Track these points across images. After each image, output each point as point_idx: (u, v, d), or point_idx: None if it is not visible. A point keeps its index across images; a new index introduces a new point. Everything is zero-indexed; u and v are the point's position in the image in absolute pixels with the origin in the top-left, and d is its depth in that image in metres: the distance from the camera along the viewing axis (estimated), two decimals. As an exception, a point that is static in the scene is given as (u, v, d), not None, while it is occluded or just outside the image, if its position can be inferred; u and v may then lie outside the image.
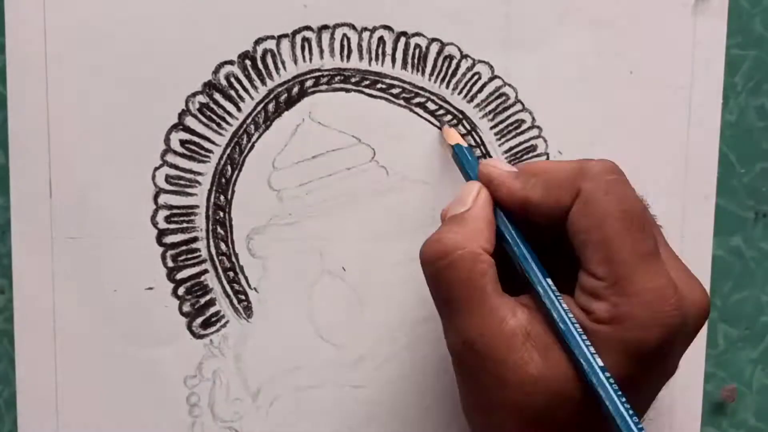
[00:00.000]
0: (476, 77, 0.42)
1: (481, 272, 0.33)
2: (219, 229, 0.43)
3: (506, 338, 0.33)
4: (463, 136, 0.43)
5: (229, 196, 0.42)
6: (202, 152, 0.42)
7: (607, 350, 0.32)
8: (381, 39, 0.42)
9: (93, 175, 0.42)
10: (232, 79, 0.42)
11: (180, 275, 0.43)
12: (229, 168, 0.42)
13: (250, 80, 0.42)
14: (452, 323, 0.34)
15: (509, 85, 0.42)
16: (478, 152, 0.43)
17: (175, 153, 0.42)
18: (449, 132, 0.41)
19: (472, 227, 0.35)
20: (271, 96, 0.42)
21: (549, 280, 0.34)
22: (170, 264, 0.43)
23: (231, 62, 0.42)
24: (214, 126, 0.42)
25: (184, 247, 0.43)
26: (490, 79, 0.42)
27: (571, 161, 0.35)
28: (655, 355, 0.32)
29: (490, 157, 0.43)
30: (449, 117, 0.43)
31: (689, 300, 0.33)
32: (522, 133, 0.43)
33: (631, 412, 0.31)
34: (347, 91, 0.42)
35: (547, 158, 0.43)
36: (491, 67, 0.42)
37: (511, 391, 0.33)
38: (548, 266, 0.35)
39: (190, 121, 0.42)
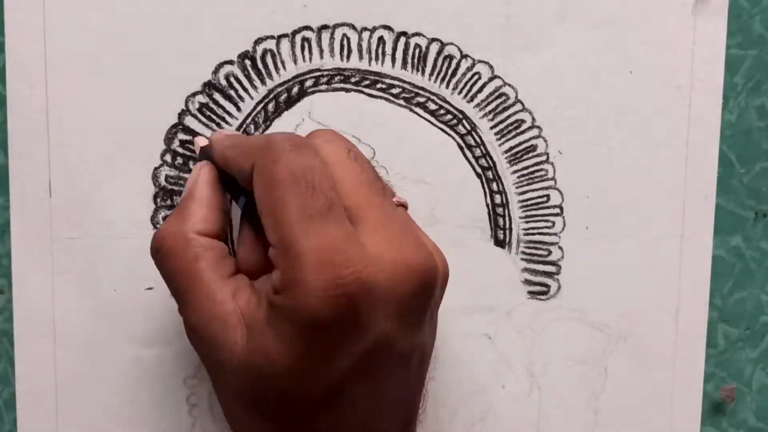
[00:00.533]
0: (476, 77, 0.42)
1: (194, 257, 0.32)
2: (219, 229, 0.43)
3: (221, 321, 0.31)
4: (462, 136, 0.43)
5: (228, 197, 0.42)
6: (202, 152, 0.42)
7: (282, 322, 0.30)
8: (381, 39, 0.42)
9: (93, 175, 0.42)
10: (232, 79, 0.42)
11: (180, 275, 0.43)
12: (229, 168, 0.42)
13: (250, 80, 0.42)
14: (181, 313, 0.34)
15: (509, 85, 0.42)
16: (478, 151, 0.43)
17: (175, 153, 0.42)
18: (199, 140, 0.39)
19: (186, 212, 0.34)
20: (271, 96, 0.42)
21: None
22: (170, 264, 0.43)
23: (231, 62, 0.42)
24: (213, 126, 0.42)
25: (184, 247, 0.43)
26: (490, 79, 0.42)
27: (261, 136, 0.34)
28: (333, 326, 0.29)
29: (490, 157, 0.43)
30: (449, 117, 0.43)
31: (384, 263, 0.30)
32: (522, 133, 0.43)
33: None
34: (347, 90, 0.42)
35: (547, 158, 0.43)
36: (491, 67, 0.42)
37: (226, 374, 0.32)
38: None
39: (189, 121, 0.42)
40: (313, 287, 0.29)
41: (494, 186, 0.43)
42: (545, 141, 0.43)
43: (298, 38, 0.42)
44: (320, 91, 0.42)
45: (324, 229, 0.29)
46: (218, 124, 0.42)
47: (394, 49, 0.42)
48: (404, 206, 0.37)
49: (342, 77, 0.42)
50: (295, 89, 0.42)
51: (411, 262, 0.31)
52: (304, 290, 0.29)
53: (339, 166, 0.33)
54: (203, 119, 0.42)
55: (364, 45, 0.42)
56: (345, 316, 0.29)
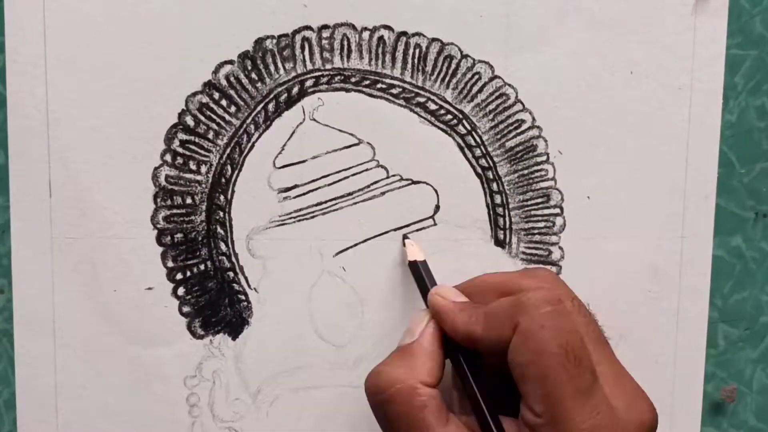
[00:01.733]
0: (476, 77, 0.42)
1: (420, 406, 0.35)
2: (219, 229, 0.43)
3: None
4: (463, 136, 0.43)
5: (229, 196, 0.42)
6: (202, 152, 0.42)
7: None
8: (381, 39, 0.42)
9: (93, 174, 0.42)
10: (232, 79, 0.42)
11: (180, 275, 0.43)
12: (229, 168, 0.42)
13: (250, 80, 0.42)
14: None
15: (509, 85, 0.42)
16: (478, 151, 0.43)
17: (175, 153, 0.42)
18: (411, 247, 0.42)
19: (415, 361, 0.36)
20: (271, 96, 0.42)
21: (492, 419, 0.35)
22: (170, 264, 0.43)
23: (231, 62, 0.42)
24: (214, 126, 0.42)
25: (183, 247, 0.43)
26: (491, 79, 0.42)
27: (509, 297, 0.35)
28: None
29: (490, 158, 0.43)
30: (449, 117, 0.43)
31: (633, 424, 0.34)
32: (522, 133, 0.43)
33: None
34: (347, 90, 0.42)
35: (548, 158, 0.43)
36: (491, 67, 0.42)
37: None
38: (499, 384, 0.36)
39: (190, 121, 0.42)
40: None
41: (494, 186, 0.43)
42: (545, 141, 0.43)
43: (299, 38, 0.42)
44: (320, 91, 0.42)
45: (591, 405, 0.32)
46: (218, 124, 0.42)
47: (395, 49, 0.42)
48: None
49: (342, 77, 0.42)
50: (295, 89, 0.42)
51: (645, 421, 0.34)
52: None
53: (574, 316, 0.35)
54: (203, 119, 0.42)
55: (365, 45, 0.42)
56: None
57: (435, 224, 0.43)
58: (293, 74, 0.42)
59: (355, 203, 0.43)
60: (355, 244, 0.43)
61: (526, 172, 0.43)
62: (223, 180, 0.42)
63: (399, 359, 0.37)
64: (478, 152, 0.43)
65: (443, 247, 0.43)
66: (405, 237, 0.42)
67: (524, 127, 0.43)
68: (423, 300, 0.40)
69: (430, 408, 0.34)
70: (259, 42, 0.42)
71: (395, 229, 0.43)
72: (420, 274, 0.40)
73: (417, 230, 0.43)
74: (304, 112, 0.42)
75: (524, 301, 0.34)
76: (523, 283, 0.37)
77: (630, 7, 0.42)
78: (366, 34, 0.42)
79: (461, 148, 0.43)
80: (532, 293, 0.34)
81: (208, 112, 0.42)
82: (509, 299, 0.35)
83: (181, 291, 0.43)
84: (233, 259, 0.43)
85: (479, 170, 0.43)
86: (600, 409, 0.32)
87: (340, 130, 0.42)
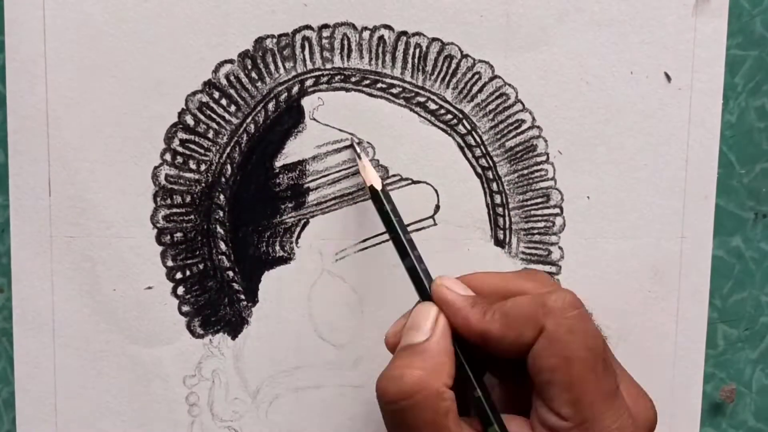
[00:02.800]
0: (476, 77, 0.42)
1: (445, 411, 0.33)
2: (218, 229, 0.43)
3: None
4: (463, 135, 0.43)
5: (228, 196, 0.42)
6: (202, 151, 0.42)
7: None
8: (381, 38, 0.42)
9: (92, 174, 0.42)
10: (232, 78, 0.42)
11: (179, 274, 0.43)
12: (228, 167, 0.42)
13: (250, 79, 0.42)
14: None
15: (509, 85, 0.42)
16: (478, 151, 0.43)
17: (175, 152, 0.42)
18: (368, 172, 0.39)
19: (434, 361, 0.33)
20: (271, 95, 0.42)
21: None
22: (170, 263, 0.43)
23: (231, 61, 0.42)
24: (213, 125, 0.42)
25: (183, 247, 0.43)
26: (491, 79, 0.42)
27: (528, 296, 0.34)
28: None
29: (490, 157, 0.43)
30: (449, 116, 0.42)
31: (641, 422, 0.34)
32: (522, 132, 0.43)
33: None
34: (347, 90, 0.42)
35: (547, 158, 0.43)
36: (491, 66, 0.42)
37: None
38: (505, 385, 0.36)
39: (190, 120, 0.42)
40: None
41: (494, 186, 0.43)
42: (545, 141, 0.43)
43: (299, 37, 0.42)
44: (320, 90, 0.42)
45: (617, 407, 0.33)
46: (218, 123, 0.42)
47: (395, 49, 0.42)
48: None
49: (342, 77, 0.42)
50: (295, 88, 0.42)
51: (650, 418, 0.35)
52: None
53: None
54: (203, 118, 0.42)
55: (365, 44, 0.42)
56: None
57: (435, 224, 0.43)
58: (293, 74, 0.42)
59: (356, 203, 0.43)
60: (355, 244, 0.43)
61: (526, 172, 0.43)
62: (223, 179, 0.42)
63: (416, 359, 0.34)
64: (478, 152, 0.43)
65: (443, 247, 0.43)
66: (354, 143, 0.39)
67: (524, 127, 0.43)
68: (417, 289, 0.37)
69: (452, 414, 0.33)
70: (259, 41, 0.42)
71: (395, 229, 0.43)
72: (398, 237, 0.37)
73: (417, 230, 0.43)
74: (304, 111, 0.42)
75: (549, 304, 0.33)
76: (526, 286, 0.36)
77: (630, 8, 0.42)
78: (366, 34, 0.42)
79: (461, 148, 0.43)
80: (556, 295, 0.33)
81: (208, 112, 0.42)
82: (530, 299, 0.34)
83: (180, 290, 0.43)
84: (233, 259, 0.43)
85: (479, 170, 0.43)
86: (623, 410, 0.33)
87: (340, 130, 0.42)
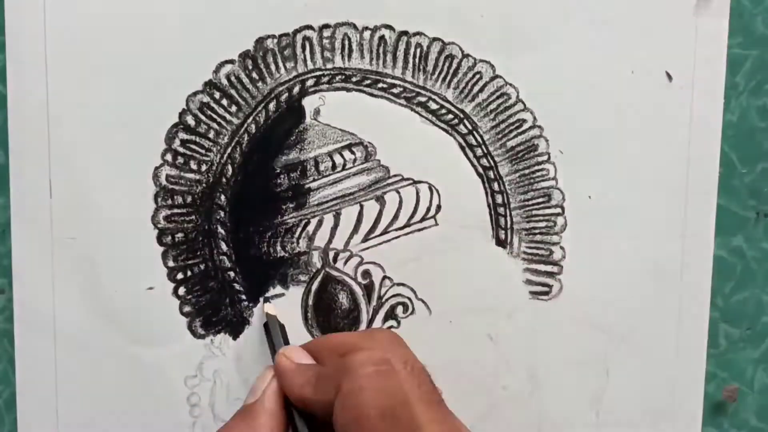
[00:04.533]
0: (477, 77, 0.42)
1: None
2: (220, 229, 0.43)
3: None
4: (464, 135, 0.43)
5: (229, 196, 0.42)
6: (203, 151, 0.42)
7: None
8: (382, 38, 0.42)
9: (93, 174, 0.42)
10: (233, 79, 0.42)
11: (180, 275, 0.43)
12: (229, 167, 0.42)
13: (251, 79, 0.42)
14: None
15: (510, 85, 0.42)
16: (479, 151, 0.43)
17: (176, 152, 0.42)
18: (268, 307, 0.42)
19: (255, 422, 0.36)
20: (272, 95, 0.42)
21: None
22: (171, 264, 0.43)
23: (232, 61, 0.42)
24: (214, 125, 0.42)
25: (184, 247, 0.43)
26: (492, 79, 0.42)
27: (335, 359, 0.35)
28: None
29: (492, 157, 0.43)
30: (450, 116, 0.42)
31: None
32: (523, 132, 0.43)
33: None
34: (348, 90, 0.42)
35: (549, 158, 0.43)
36: (492, 66, 0.42)
37: None
38: None
39: (190, 121, 0.42)
40: None
41: (495, 186, 0.43)
42: (546, 141, 0.43)
43: (299, 37, 0.42)
44: (321, 90, 0.42)
45: None
46: (219, 124, 0.42)
47: (396, 49, 0.42)
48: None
49: (343, 77, 0.42)
50: (296, 89, 0.42)
51: None
52: None
53: (401, 378, 0.34)
54: (204, 118, 0.42)
55: (366, 44, 0.42)
56: None
57: (436, 224, 0.43)
58: (294, 74, 0.42)
59: (357, 203, 0.42)
60: (357, 245, 0.43)
61: (527, 171, 0.43)
62: (224, 180, 0.42)
63: (240, 420, 0.37)
64: (479, 152, 0.43)
65: (444, 247, 0.43)
66: (266, 300, 0.42)
67: (525, 126, 0.43)
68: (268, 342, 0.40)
69: None
70: (260, 41, 0.42)
71: (396, 230, 0.43)
72: (270, 335, 0.40)
73: (419, 230, 0.43)
74: (305, 111, 0.42)
75: (348, 363, 0.34)
76: (362, 344, 0.36)
77: (631, 7, 0.42)
78: (367, 34, 0.42)
79: (462, 148, 0.43)
80: (357, 354, 0.34)
81: (209, 112, 0.42)
82: (335, 361, 0.35)
83: (181, 291, 0.43)
84: (234, 259, 0.43)
85: (480, 170, 0.43)
86: None
87: (341, 130, 0.42)
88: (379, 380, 0.33)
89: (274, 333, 0.40)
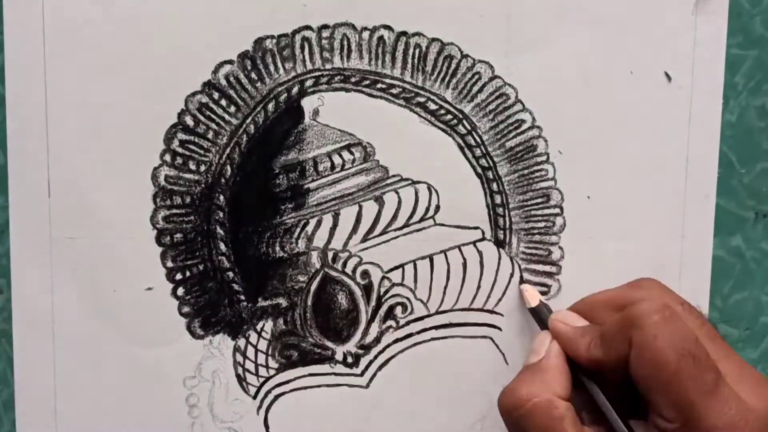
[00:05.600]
0: (476, 77, 0.42)
1: (559, 417, 0.35)
2: (218, 229, 0.43)
3: None
4: (463, 136, 0.43)
5: (228, 196, 0.42)
6: (202, 152, 0.42)
7: None
8: (381, 39, 0.42)
9: (92, 174, 0.42)
10: (232, 79, 0.42)
11: (179, 275, 0.43)
12: (228, 168, 0.42)
13: (250, 80, 0.42)
14: None
15: (509, 85, 0.42)
16: (478, 151, 0.43)
17: (175, 153, 0.42)
18: (530, 293, 0.42)
19: (546, 376, 0.37)
20: (271, 96, 0.42)
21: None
22: (170, 264, 0.42)
23: (230, 62, 0.42)
24: (213, 126, 0.42)
25: (183, 248, 0.42)
26: (491, 79, 0.42)
27: (619, 315, 0.36)
28: None
29: (490, 158, 0.43)
30: (449, 117, 0.42)
31: (762, 411, 0.34)
32: (522, 132, 0.43)
33: None
34: (347, 90, 0.42)
35: (548, 158, 0.43)
36: (491, 66, 0.42)
37: None
38: (627, 392, 0.36)
39: (189, 121, 0.42)
40: None
41: (494, 186, 0.43)
42: (545, 141, 0.43)
43: (298, 38, 0.42)
44: (320, 90, 0.42)
45: (721, 402, 0.33)
46: (218, 124, 0.42)
47: (394, 49, 0.42)
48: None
49: (342, 77, 0.42)
50: (295, 89, 0.42)
51: None
52: None
53: (685, 319, 0.36)
54: (203, 119, 0.42)
55: (365, 45, 0.42)
56: None
57: (435, 224, 0.43)
58: (293, 74, 0.42)
59: (356, 203, 0.42)
60: (355, 245, 0.43)
61: (526, 172, 0.43)
62: (223, 180, 0.42)
63: (531, 375, 0.38)
64: (478, 152, 0.43)
65: (443, 247, 0.43)
66: (521, 282, 0.43)
67: (524, 127, 0.43)
68: (537, 322, 0.41)
69: (568, 419, 0.35)
70: (258, 42, 0.42)
71: (395, 230, 0.43)
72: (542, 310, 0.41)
73: (417, 230, 0.43)
74: (303, 112, 0.42)
75: (632, 316, 0.35)
76: (632, 295, 0.38)
77: (630, 7, 0.42)
78: (366, 34, 0.42)
79: (461, 148, 0.43)
80: (638, 306, 0.35)
81: (208, 112, 0.42)
82: (620, 316, 0.36)
83: (180, 291, 0.43)
84: (232, 260, 0.43)
85: (479, 170, 0.43)
86: (730, 404, 0.33)
87: (340, 130, 0.42)
88: (668, 326, 0.34)
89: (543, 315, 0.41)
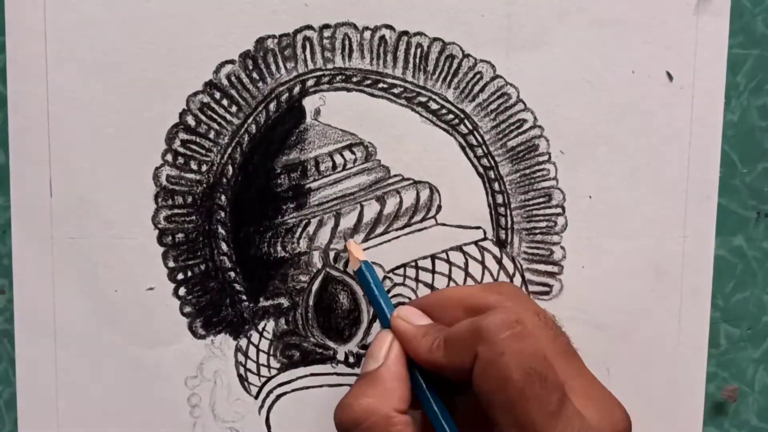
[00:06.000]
0: (478, 77, 0.42)
1: None
2: (220, 229, 0.43)
3: None
4: (464, 135, 0.43)
5: (230, 196, 0.42)
6: (203, 152, 0.42)
7: None
8: (382, 38, 0.42)
9: (93, 174, 0.42)
10: (233, 79, 0.42)
11: (181, 275, 0.43)
12: (230, 168, 0.42)
13: (252, 79, 0.42)
14: None
15: (511, 85, 0.42)
16: (480, 151, 0.43)
17: (176, 153, 0.42)
18: (354, 247, 0.40)
19: (384, 387, 0.35)
20: (273, 95, 0.42)
21: None
22: (171, 264, 0.42)
23: (232, 62, 0.42)
24: (215, 125, 0.42)
25: (184, 247, 0.42)
26: (492, 79, 0.42)
27: (466, 321, 0.34)
28: None
29: (492, 157, 0.43)
30: (451, 116, 0.42)
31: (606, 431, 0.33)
32: (524, 132, 0.43)
33: None
34: (349, 90, 0.42)
35: (549, 158, 0.43)
36: (493, 66, 0.42)
37: None
38: (468, 407, 0.35)
39: (191, 121, 0.42)
40: None
41: (496, 186, 0.43)
42: (547, 141, 0.43)
43: (300, 38, 0.42)
44: (322, 90, 0.42)
45: (563, 422, 0.32)
46: (219, 124, 0.42)
47: (396, 49, 0.42)
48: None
49: (343, 77, 0.42)
50: (297, 89, 0.42)
51: (619, 430, 0.34)
52: None
53: (537, 334, 0.34)
54: (204, 119, 0.42)
55: (366, 44, 0.42)
56: None
57: (437, 224, 0.43)
58: (294, 74, 0.42)
59: (357, 203, 0.42)
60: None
61: (527, 171, 0.43)
62: (225, 180, 0.42)
63: (368, 387, 0.35)
64: (479, 152, 0.43)
65: (445, 247, 0.43)
66: (347, 238, 0.41)
67: (526, 126, 0.43)
68: (380, 319, 0.39)
69: None
70: (260, 41, 0.42)
71: (397, 230, 0.43)
72: (371, 289, 0.39)
73: (419, 230, 0.43)
74: (305, 111, 0.42)
75: (480, 328, 0.33)
76: (486, 299, 0.36)
77: (632, 7, 0.42)
78: (367, 34, 0.42)
79: (463, 148, 0.43)
80: (488, 318, 0.33)
81: (209, 112, 0.42)
82: (468, 323, 0.34)
83: (182, 291, 0.43)
84: (234, 259, 0.43)
85: (481, 170, 0.43)
86: (572, 425, 0.32)
87: (341, 130, 0.42)
88: (517, 343, 0.32)
89: (375, 282, 0.39)
